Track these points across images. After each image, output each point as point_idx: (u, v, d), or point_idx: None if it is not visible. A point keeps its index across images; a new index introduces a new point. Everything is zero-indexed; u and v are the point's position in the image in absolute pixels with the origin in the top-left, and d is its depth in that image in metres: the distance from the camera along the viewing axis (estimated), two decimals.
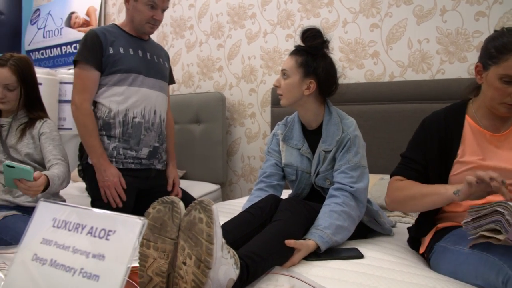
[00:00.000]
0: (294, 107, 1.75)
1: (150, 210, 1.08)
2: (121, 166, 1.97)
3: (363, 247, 1.54)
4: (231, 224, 1.49)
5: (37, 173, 1.59)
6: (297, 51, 1.71)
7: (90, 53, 1.93)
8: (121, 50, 1.98)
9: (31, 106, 1.98)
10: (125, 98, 1.97)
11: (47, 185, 1.67)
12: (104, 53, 1.95)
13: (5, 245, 1.64)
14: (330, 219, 1.49)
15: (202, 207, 1.02)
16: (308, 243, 1.41)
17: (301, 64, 1.66)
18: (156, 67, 2.10)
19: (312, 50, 1.67)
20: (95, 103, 2.01)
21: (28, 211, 1.87)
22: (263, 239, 1.34)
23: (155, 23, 2.03)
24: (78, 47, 2.00)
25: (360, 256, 1.44)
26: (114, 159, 1.96)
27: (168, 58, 2.29)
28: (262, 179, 1.82)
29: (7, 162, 1.52)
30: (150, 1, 1.96)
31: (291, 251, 1.37)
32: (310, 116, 1.73)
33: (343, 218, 1.51)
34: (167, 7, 2.08)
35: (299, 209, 1.51)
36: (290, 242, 1.34)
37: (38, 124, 1.95)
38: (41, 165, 1.94)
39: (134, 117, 1.98)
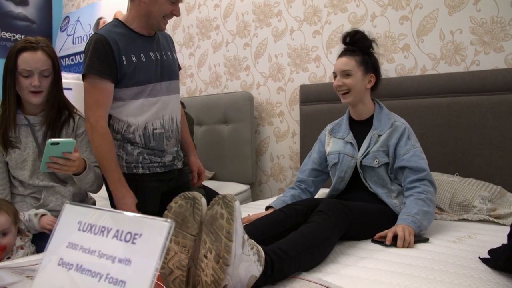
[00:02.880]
0: (357, 103, 1.90)
1: (172, 204, 1.08)
2: (147, 171, 1.89)
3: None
4: (262, 222, 1.50)
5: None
6: (352, 51, 1.88)
7: (103, 64, 1.73)
8: (134, 58, 1.80)
9: (61, 99, 1.84)
10: (144, 111, 1.85)
11: (83, 169, 1.68)
12: (118, 63, 1.76)
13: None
14: (418, 206, 1.61)
15: (224, 203, 1.02)
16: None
17: (361, 63, 1.85)
18: (169, 67, 1.95)
19: (366, 49, 1.88)
20: (110, 116, 1.86)
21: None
22: (293, 238, 1.33)
23: (171, 18, 1.85)
24: (85, 56, 1.76)
25: (426, 239, 1.56)
26: (140, 164, 1.88)
27: (173, 44, 2.09)
28: (298, 185, 2.06)
29: (51, 140, 1.48)
30: None
31: (321, 253, 1.36)
32: (364, 109, 1.92)
33: (427, 205, 1.64)
34: (181, 2, 1.87)
35: (338, 214, 1.49)
36: (381, 235, 1.56)
37: (71, 122, 1.85)
38: None
39: (154, 129, 1.88)
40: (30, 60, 1.69)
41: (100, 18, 4.45)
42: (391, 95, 2.54)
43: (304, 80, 3.04)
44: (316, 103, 2.87)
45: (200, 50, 3.64)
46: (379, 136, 1.84)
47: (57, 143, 1.50)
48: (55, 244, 0.77)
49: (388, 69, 2.68)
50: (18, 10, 4.66)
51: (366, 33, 1.90)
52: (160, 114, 1.89)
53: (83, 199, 1.97)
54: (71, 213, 0.78)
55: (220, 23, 3.52)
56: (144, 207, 1.85)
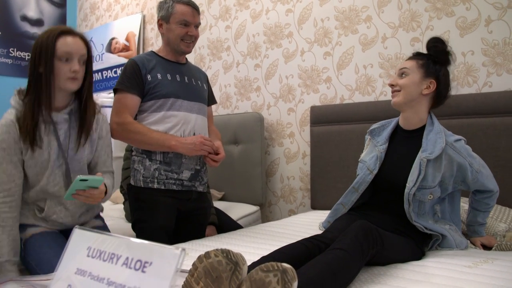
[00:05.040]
0: (405, 108, 1.78)
1: (211, 254, 0.99)
2: (162, 187, 1.95)
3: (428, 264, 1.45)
4: (277, 257, 1.35)
5: None
6: (418, 54, 1.78)
7: (130, 80, 1.95)
8: (159, 76, 1.99)
9: (89, 96, 1.74)
10: (164, 123, 1.96)
11: (104, 195, 1.68)
12: (144, 80, 1.96)
13: (31, 270, 1.62)
14: (485, 219, 1.85)
15: (282, 279, 0.92)
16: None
17: (422, 65, 1.73)
18: (195, 90, 2.10)
19: (435, 54, 1.75)
20: None
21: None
22: (316, 269, 1.21)
23: (190, 39, 2.04)
24: (119, 76, 2.01)
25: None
26: (156, 180, 1.95)
27: (207, 79, 2.29)
28: None
29: (81, 176, 1.47)
30: (182, 20, 1.99)
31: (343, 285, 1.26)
32: (414, 118, 1.79)
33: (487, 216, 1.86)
34: (199, 23, 2.08)
35: (371, 242, 1.37)
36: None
37: (95, 124, 1.78)
38: (88, 167, 1.82)
39: None
40: (72, 43, 1.62)
41: (112, 39, 4.51)
42: None
43: (314, 101, 3.04)
44: (327, 124, 2.86)
45: (211, 70, 3.66)
46: (428, 161, 1.68)
47: (86, 180, 1.50)
48: (63, 269, 0.76)
49: None
50: (33, 30, 4.75)
51: (444, 40, 1.76)
52: (180, 128, 1.99)
53: (89, 207, 1.89)
54: (80, 238, 0.78)
55: (231, 44, 3.55)
56: (157, 221, 1.95)
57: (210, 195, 2.28)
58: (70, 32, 1.64)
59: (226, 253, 0.99)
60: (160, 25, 2.05)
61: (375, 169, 1.78)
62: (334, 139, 2.80)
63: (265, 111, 3.31)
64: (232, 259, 0.98)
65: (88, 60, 1.70)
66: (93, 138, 1.79)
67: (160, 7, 2.04)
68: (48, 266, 1.52)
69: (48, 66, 1.60)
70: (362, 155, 1.93)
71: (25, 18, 4.69)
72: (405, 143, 1.81)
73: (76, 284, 0.73)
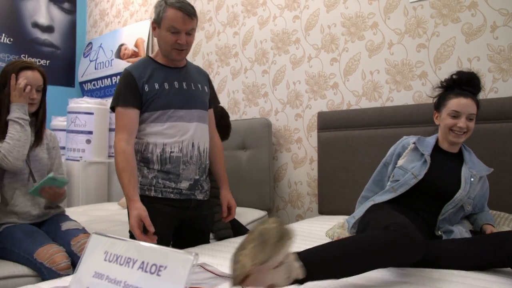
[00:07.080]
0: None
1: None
2: (160, 195, 1.92)
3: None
4: None
5: None
6: (473, 94, 1.92)
7: (126, 93, 1.90)
8: (156, 86, 1.93)
9: (45, 112, 2.13)
10: (163, 134, 1.93)
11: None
12: (141, 91, 1.91)
13: (7, 253, 1.85)
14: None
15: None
16: None
17: (477, 107, 1.91)
18: (194, 97, 2.02)
19: (475, 90, 1.93)
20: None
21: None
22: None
23: (180, 47, 1.91)
24: (114, 91, 1.96)
25: None
26: (153, 188, 1.92)
27: (208, 80, 2.18)
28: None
29: (52, 175, 1.85)
30: (171, 27, 1.86)
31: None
32: (459, 146, 1.98)
33: None
34: (192, 29, 1.92)
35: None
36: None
37: (48, 135, 2.17)
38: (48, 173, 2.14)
39: (171, 152, 1.93)
40: (30, 77, 1.98)
41: (121, 45, 4.57)
42: (409, 122, 2.54)
43: (322, 107, 3.07)
44: (334, 130, 2.88)
45: (219, 76, 3.70)
46: (481, 178, 1.90)
47: (55, 179, 1.85)
48: (82, 272, 0.79)
49: (406, 97, 2.69)
50: (44, 36, 4.83)
51: (477, 74, 1.95)
52: (179, 139, 1.93)
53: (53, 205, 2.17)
54: (98, 243, 0.81)
55: (239, 50, 3.59)
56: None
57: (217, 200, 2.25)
58: (30, 67, 2.00)
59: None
60: (153, 28, 1.95)
61: (419, 175, 1.85)
62: (341, 145, 2.82)
63: (272, 116, 3.34)
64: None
65: (43, 88, 2.07)
66: (49, 147, 2.16)
67: (155, 8, 1.93)
68: (25, 244, 1.82)
69: (6, 91, 1.97)
70: (402, 162, 1.97)
71: (36, 25, 4.77)
72: (446, 161, 1.92)
73: (94, 287, 0.76)
